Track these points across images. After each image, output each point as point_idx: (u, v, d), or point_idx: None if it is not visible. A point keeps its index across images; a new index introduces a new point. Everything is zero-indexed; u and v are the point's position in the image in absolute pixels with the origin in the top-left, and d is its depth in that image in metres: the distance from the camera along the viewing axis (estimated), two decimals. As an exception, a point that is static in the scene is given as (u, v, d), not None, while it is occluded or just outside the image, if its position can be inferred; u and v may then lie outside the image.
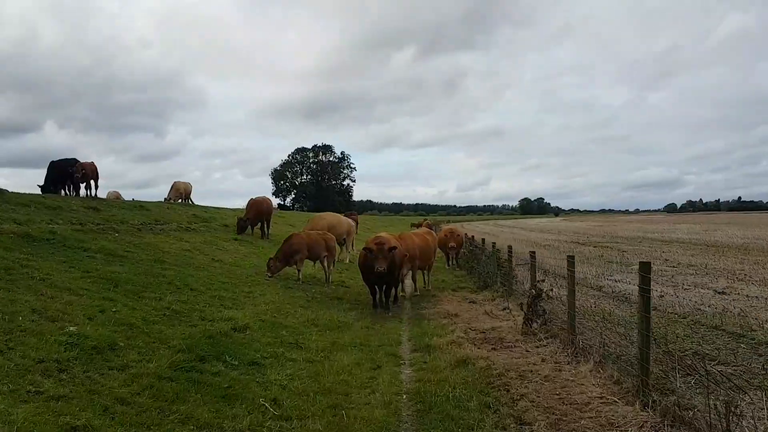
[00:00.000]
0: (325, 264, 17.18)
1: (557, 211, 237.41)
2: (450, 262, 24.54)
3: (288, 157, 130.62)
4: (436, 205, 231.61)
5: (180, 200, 34.16)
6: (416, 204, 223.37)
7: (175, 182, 34.49)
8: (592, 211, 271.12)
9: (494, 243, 18.58)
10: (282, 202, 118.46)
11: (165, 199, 33.29)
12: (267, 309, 11.66)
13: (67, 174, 21.34)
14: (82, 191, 23.04)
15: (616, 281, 20.39)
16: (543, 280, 10.98)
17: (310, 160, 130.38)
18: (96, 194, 23.50)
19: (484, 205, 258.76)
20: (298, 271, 16.47)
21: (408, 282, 18.53)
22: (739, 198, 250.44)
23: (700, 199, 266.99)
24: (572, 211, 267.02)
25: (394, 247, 13.34)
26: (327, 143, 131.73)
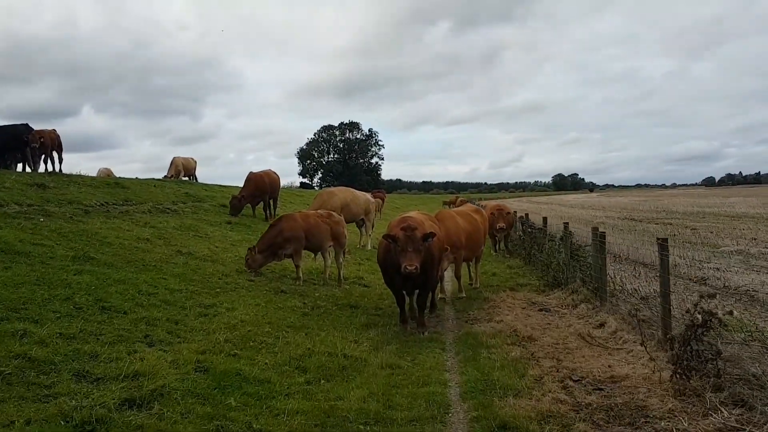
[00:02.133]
0: (332, 257, 12.60)
1: (592, 187, 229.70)
2: (497, 247, 19.68)
3: (314, 135, 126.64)
4: (466, 183, 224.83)
5: (181, 177, 29.93)
6: (446, 182, 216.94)
7: (174, 158, 30.20)
8: (628, 186, 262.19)
9: (566, 224, 13.72)
10: (309, 182, 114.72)
11: (164, 176, 29.08)
12: (226, 340, 7.09)
13: (16, 142, 16.99)
14: (47, 165, 18.81)
15: (716, 269, 15.39)
16: (715, 295, 6.04)
17: (337, 139, 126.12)
18: (60, 168, 19.22)
19: (516, 182, 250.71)
20: (297, 267, 11.89)
21: (449, 278, 13.81)
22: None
23: (740, 172, 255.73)
24: (607, 186, 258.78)
25: (431, 234, 8.65)
26: (355, 121, 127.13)
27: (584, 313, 10.24)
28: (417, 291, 9.46)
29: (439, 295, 11.99)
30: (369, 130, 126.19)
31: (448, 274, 13.54)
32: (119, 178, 25.89)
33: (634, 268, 15.41)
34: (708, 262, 17.44)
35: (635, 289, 12.23)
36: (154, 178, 25.71)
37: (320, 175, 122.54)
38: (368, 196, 18.67)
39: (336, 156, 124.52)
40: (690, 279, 15.30)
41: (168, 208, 17.02)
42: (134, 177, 25.45)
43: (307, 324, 8.81)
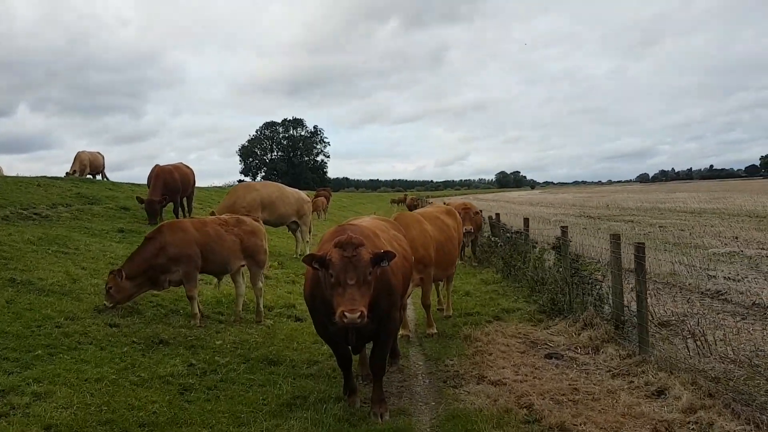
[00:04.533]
0: (243, 280, 8.89)
1: (533, 184, 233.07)
2: (462, 254, 16.26)
3: (256, 132, 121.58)
4: (413, 181, 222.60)
5: (86, 174, 25.43)
6: (393, 180, 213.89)
7: (78, 153, 25.65)
8: (566, 183, 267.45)
9: (564, 228, 10.38)
10: (252, 181, 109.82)
11: (66, 173, 24.55)
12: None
13: None
14: None
15: (710, 275, 13.05)
16: None
17: (280, 136, 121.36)
18: None
19: (461, 180, 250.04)
20: (190, 299, 8.09)
21: (414, 304, 10.30)
22: (711, 167, 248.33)
23: (672, 169, 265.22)
24: (546, 183, 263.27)
25: (386, 255, 5.04)
26: (299, 117, 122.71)
27: (618, 364, 6.88)
28: (372, 342, 5.89)
29: (401, 333, 8.45)
30: (314, 127, 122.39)
31: (412, 299, 10.02)
32: (8, 176, 21.43)
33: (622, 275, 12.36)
34: (711, 269, 14.65)
35: (679, 317, 9.06)
36: (47, 176, 21.26)
37: (263, 173, 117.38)
38: (301, 193, 14.72)
39: (280, 153, 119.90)
40: (703, 292, 12.39)
41: (37, 214, 12.88)
42: (40, 176, 21.06)
43: (182, 415, 5.10)
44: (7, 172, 24.54)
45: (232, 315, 8.71)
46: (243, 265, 8.68)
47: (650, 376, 6.25)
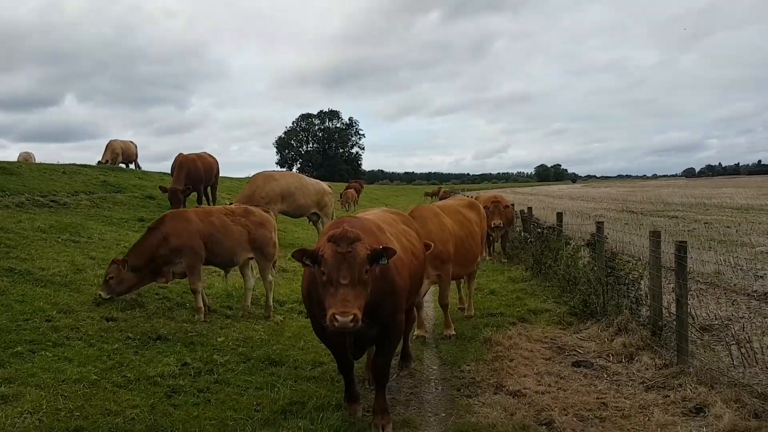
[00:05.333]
0: (252, 273, 8.44)
1: (574, 178, 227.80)
2: (491, 250, 15.57)
3: (293, 124, 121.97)
4: (449, 174, 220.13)
5: (119, 163, 25.51)
6: (429, 173, 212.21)
7: (110, 141, 25.71)
8: (610, 177, 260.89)
9: (599, 224, 9.64)
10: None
11: (98, 162, 24.66)
12: None
13: None
14: None
15: (758, 275, 12.17)
16: None
17: (316, 128, 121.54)
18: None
19: (499, 173, 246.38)
20: (194, 293, 7.69)
21: (431, 303, 9.74)
22: (759, 162, 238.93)
23: (719, 163, 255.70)
24: (589, 177, 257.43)
25: (385, 252, 4.47)
26: (335, 109, 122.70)
27: (653, 375, 6.19)
28: (375, 347, 5.35)
29: (416, 333, 7.90)
30: (349, 119, 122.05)
31: (430, 297, 9.46)
32: (34, 163, 21.62)
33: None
34: (759, 269, 13.69)
35: (723, 321, 8.29)
36: (76, 164, 21.32)
37: (299, 165, 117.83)
38: (322, 184, 14.23)
39: (315, 145, 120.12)
40: (749, 294, 11.50)
41: (54, 201, 12.73)
42: (69, 163, 21.15)
43: (163, 421, 4.66)
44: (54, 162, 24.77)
45: (240, 310, 8.28)
46: (251, 258, 8.24)
47: (688, 391, 5.57)
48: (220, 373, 5.87)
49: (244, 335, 7.18)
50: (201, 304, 7.63)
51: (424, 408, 5.73)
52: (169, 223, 7.52)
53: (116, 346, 5.99)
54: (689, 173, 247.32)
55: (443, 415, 5.54)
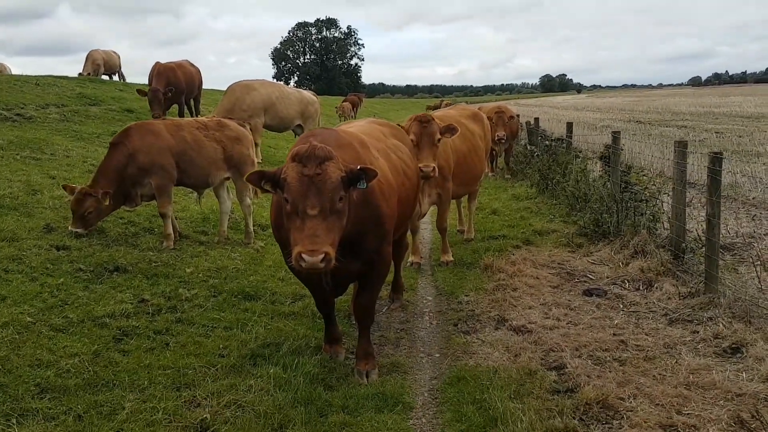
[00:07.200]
0: (229, 195, 7.57)
1: (579, 88, 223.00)
2: (494, 165, 14.61)
3: (288, 34, 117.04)
4: (452, 86, 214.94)
5: (101, 75, 24.08)
6: (432, 85, 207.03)
7: (90, 52, 24.10)
8: (615, 87, 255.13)
9: (615, 135, 8.66)
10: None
11: (79, 74, 23.23)
12: None
13: None
14: None
15: None
16: None
17: (313, 38, 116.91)
18: None
19: (503, 84, 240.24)
20: (163, 217, 6.84)
21: (428, 223, 8.97)
22: (767, 69, 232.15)
23: (726, 71, 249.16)
24: (594, 87, 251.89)
25: (363, 172, 3.60)
26: (333, 17, 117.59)
27: (677, 306, 5.45)
28: (360, 282, 4.57)
29: (410, 260, 7.14)
30: (348, 28, 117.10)
31: (428, 218, 8.65)
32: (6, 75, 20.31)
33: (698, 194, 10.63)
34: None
35: (745, 238, 7.55)
36: (53, 75, 20.00)
37: (296, 78, 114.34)
38: (304, 93, 12.96)
39: (312, 57, 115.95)
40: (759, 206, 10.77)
41: (20, 115, 11.69)
42: (46, 74, 19.75)
43: (105, 374, 3.96)
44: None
45: (216, 236, 7.49)
46: (227, 178, 7.36)
47: (721, 326, 4.83)
48: (183, 311, 5.14)
49: (217, 265, 6.41)
50: (170, 230, 6.80)
51: (416, 347, 5.04)
52: (135, 136, 6.55)
53: (62, 280, 5.21)
54: (695, 81, 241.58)
55: (437, 356, 4.86)
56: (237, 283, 5.96)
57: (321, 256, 3.31)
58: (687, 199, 6.77)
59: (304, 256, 3.32)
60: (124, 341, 4.49)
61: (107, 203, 6.35)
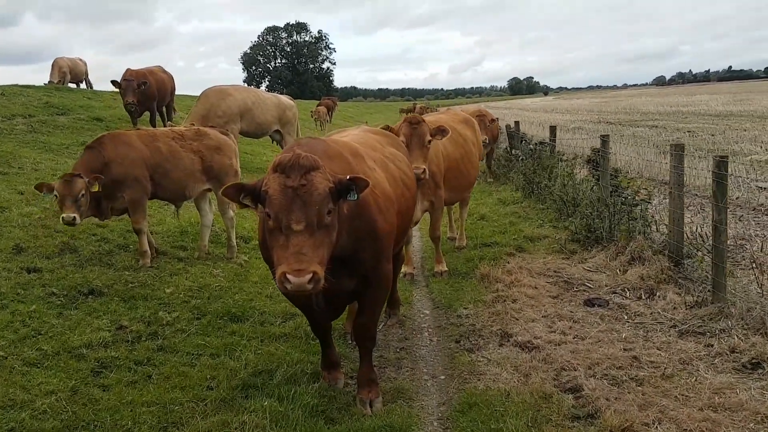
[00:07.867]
0: (210, 207, 7.17)
1: (546, 90, 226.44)
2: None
3: (258, 38, 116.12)
4: (423, 90, 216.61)
5: (67, 83, 23.33)
6: (403, 89, 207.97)
7: (56, 60, 23.35)
8: (581, 88, 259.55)
9: (604, 138, 8.50)
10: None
11: (47, 83, 22.46)
12: None
13: None
14: None
15: (760, 187, 11.66)
16: None
17: (283, 42, 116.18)
18: None
19: (472, 87, 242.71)
20: (138, 233, 6.42)
21: (418, 232, 8.69)
22: (730, 68, 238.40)
23: (690, 71, 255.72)
24: (560, 89, 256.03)
25: (354, 182, 3.26)
26: (302, 21, 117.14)
27: (684, 317, 5.25)
28: (359, 303, 4.25)
29: (403, 271, 6.84)
30: (318, 32, 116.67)
31: (419, 225, 8.37)
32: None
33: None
34: (760, 180, 12.99)
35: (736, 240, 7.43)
36: (19, 84, 19.22)
37: (267, 82, 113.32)
38: (283, 98, 12.51)
39: (284, 61, 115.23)
40: (755, 208, 10.80)
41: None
42: (12, 84, 18.92)
43: (84, 413, 3.58)
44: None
45: (196, 250, 7.10)
46: (208, 190, 6.97)
47: (736, 338, 4.64)
48: (165, 337, 4.76)
49: (199, 283, 6.03)
50: (146, 246, 6.40)
51: (419, 368, 4.74)
52: (108, 146, 6.11)
53: (34, 306, 4.80)
54: (660, 81, 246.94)
55: (443, 377, 4.57)
56: (221, 303, 5.59)
57: (308, 276, 2.99)
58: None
59: (289, 276, 2.98)
60: (103, 374, 4.11)
61: (96, 189, 5.83)
